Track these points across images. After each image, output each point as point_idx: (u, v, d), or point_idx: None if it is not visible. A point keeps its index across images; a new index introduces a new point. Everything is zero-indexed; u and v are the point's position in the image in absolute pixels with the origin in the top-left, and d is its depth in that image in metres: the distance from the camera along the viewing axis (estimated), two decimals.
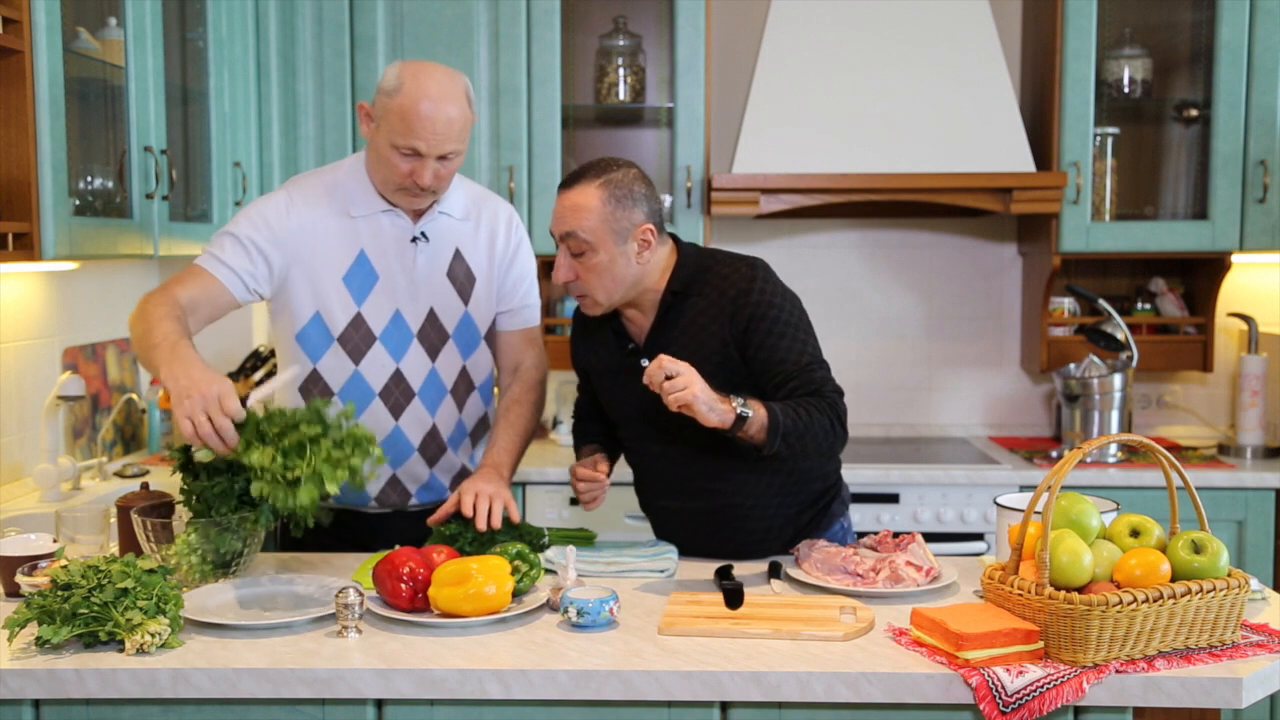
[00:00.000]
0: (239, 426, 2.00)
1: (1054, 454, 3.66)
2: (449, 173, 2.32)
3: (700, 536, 2.35)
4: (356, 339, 2.38)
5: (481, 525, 2.20)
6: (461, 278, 2.45)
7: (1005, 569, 1.83)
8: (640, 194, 2.21)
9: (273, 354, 3.65)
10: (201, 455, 2.03)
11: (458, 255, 2.45)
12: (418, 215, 2.41)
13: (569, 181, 2.22)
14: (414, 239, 2.40)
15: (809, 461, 2.31)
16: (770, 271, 2.28)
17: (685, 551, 2.30)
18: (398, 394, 2.41)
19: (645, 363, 2.26)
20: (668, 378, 2.02)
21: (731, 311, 2.22)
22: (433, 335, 2.42)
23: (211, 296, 2.28)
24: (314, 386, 2.41)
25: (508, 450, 2.41)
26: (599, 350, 2.39)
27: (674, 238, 2.34)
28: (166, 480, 2.69)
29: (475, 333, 2.48)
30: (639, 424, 2.35)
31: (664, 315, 2.27)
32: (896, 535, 2.22)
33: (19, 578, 1.99)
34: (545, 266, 3.85)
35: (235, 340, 3.83)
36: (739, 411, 2.05)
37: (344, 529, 2.48)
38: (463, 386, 2.47)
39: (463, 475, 2.53)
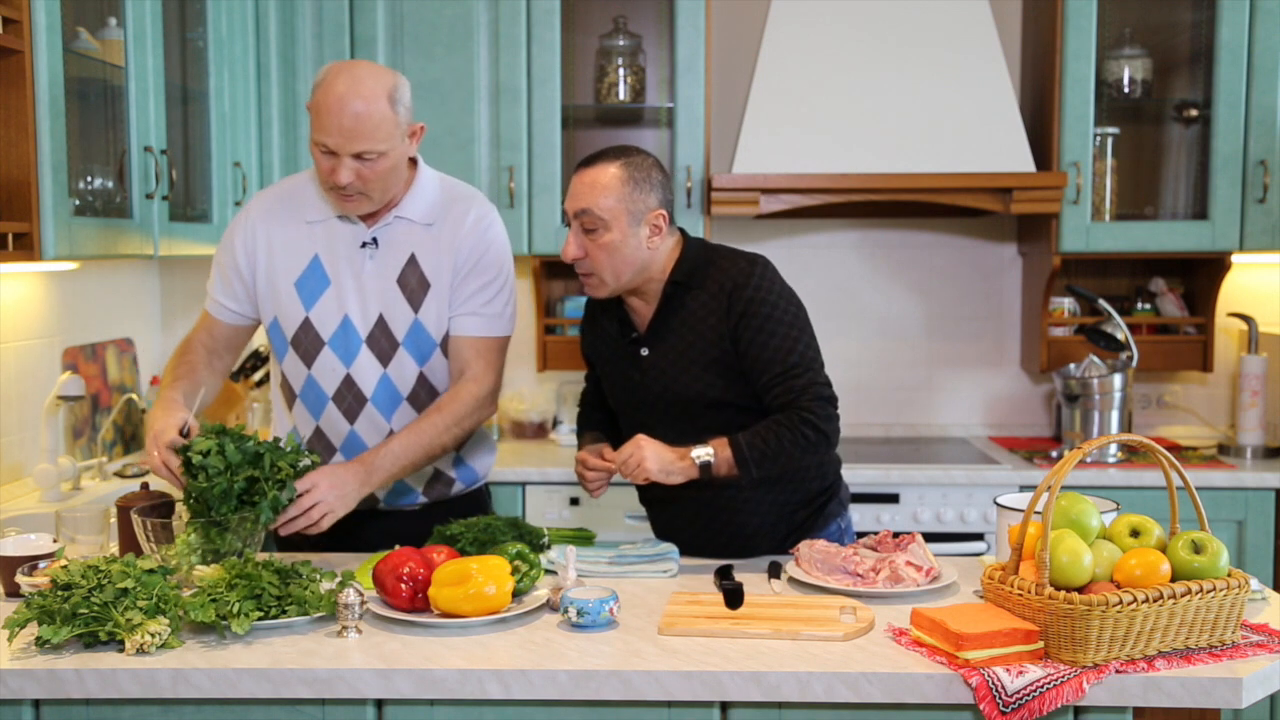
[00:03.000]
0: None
1: (1054, 454, 3.66)
2: (374, 175, 2.23)
3: (693, 530, 2.36)
4: (306, 343, 2.38)
5: (284, 532, 2.17)
6: (414, 284, 2.36)
7: (1005, 569, 1.83)
8: (656, 180, 2.25)
9: None
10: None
11: (412, 260, 2.36)
12: (372, 220, 2.37)
13: (589, 161, 2.25)
14: (364, 244, 2.36)
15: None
16: (771, 269, 2.30)
17: (680, 547, 2.31)
18: (350, 399, 2.39)
19: (645, 351, 2.31)
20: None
21: (728, 305, 2.24)
22: (383, 341, 2.37)
23: (220, 335, 2.45)
24: (282, 388, 2.47)
25: (393, 453, 2.25)
26: (605, 338, 2.41)
27: (682, 231, 2.36)
28: (166, 480, 2.69)
29: (429, 340, 2.38)
30: (636, 412, 2.38)
31: (665, 305, 2.30)
32: (896, 535, 2.22)
33: (19, 578, 1.99)
34: (546, 266, 3.86)
35: None
36: (699, 462, 2.18)
37: (343, 528, 2.48)
38: (423, 393, 2.41)
39: (435, 479, 2.50)
